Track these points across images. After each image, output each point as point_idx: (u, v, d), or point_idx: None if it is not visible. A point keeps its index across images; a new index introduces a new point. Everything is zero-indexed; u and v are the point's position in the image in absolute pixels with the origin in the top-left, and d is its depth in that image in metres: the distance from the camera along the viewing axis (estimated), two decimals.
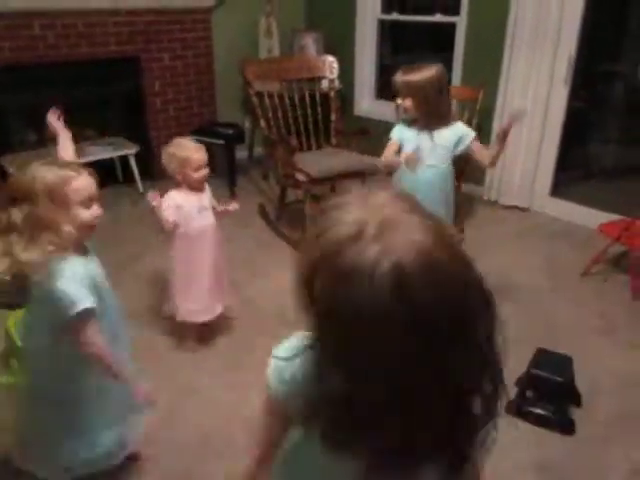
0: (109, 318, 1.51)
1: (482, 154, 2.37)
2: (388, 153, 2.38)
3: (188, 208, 2.27)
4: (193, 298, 2.35)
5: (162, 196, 2.25)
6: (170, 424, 2.05)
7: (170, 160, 2.25)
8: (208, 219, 2.32)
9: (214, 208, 2.37)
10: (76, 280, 1.36)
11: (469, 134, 2.35)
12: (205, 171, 2.27)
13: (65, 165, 1.45)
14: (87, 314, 1.36)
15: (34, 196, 1.29)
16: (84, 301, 1.35)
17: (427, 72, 2.21)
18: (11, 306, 2.53)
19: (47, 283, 1.34)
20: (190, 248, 2.30)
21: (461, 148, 2.35)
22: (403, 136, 2.37)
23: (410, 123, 2.36)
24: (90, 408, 1.55)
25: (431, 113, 2.27)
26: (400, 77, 2.24)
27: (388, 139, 2.42)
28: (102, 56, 3.94)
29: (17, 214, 1.27)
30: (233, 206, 2.41)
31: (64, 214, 1.35)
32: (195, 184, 2.27)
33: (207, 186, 2.36)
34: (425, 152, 2.31)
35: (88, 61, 3.90)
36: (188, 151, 2.23)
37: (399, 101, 2.30)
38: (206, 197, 2.34)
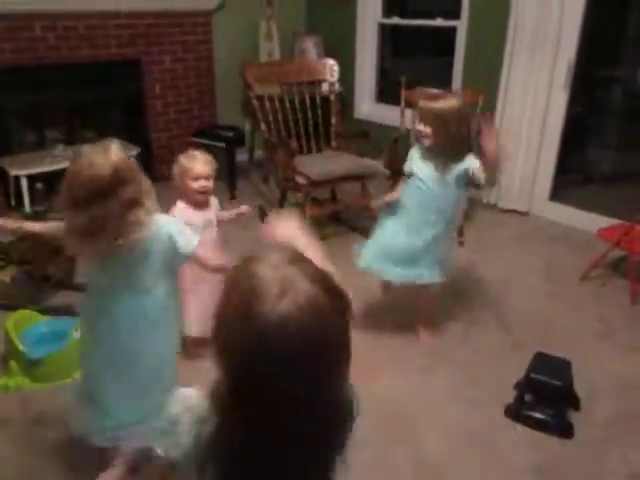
0: None
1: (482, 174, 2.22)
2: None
3: (194, 224, 2.16)
4: (192, 311, 2.27)
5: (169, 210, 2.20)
6: None
7: (176, 169, 2.24)
8: (211, 235, 2.28)
9: (221, 219, 2.35)
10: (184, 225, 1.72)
11: (473, 164, 2.21)
12: (205, 183, 2.22)
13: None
14: (199, 244, 1.65)
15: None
16: (195, 236, 1.66)
17: (450, 102, 2.19)
18: (11, 308, 2.54)
19: (164, 235, 1.59)
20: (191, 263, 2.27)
21: (464, 180, 2.26)
22: (413, 166, 2.33)
23: (425, 150, 2.29)
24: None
25: (447, 144, 2.19)
26: (423, 103, 2.23)
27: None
28: (103, 58, 3.95)
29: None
30: (245, 208, 2.40)
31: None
32: (195, 196, 2.23)
33: (214, 201, 2.34)
34: (431, 181, 2.27)
35: (89, 63, 3.91)
36: (193, 162, 2.21)
37: (420, 127, 2.21)
38: (211, 212, 2.31)
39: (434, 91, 3.70)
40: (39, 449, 1.94)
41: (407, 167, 2.37)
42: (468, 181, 2.26)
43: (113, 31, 3.95)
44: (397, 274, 2.37)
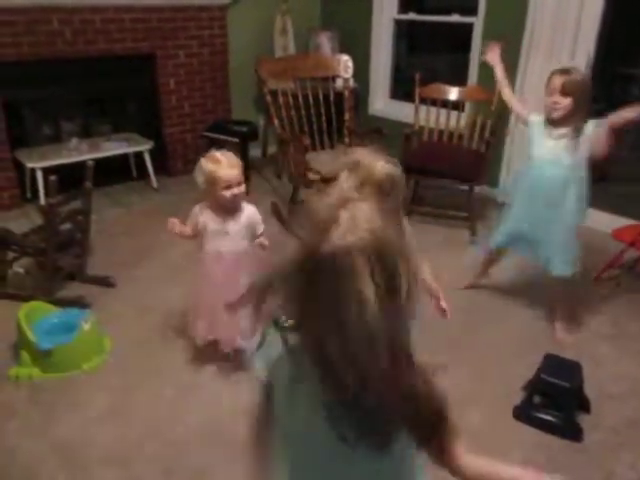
0: None
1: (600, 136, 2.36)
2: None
3: (209, 228, 2.14)
4: (201, 316, 2.25)
5: (183, 221, 2.18)
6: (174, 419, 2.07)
7: (198, 173, 2.10)
8: (228, 245, 2.14)
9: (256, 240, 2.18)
10: None
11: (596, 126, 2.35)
12: (236, 190, 2.07)
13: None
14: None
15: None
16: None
17: (586, 76, 2.41)
18: (24, 299, 2.57)
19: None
20: (203, 269, 2.20)
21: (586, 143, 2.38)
22: (535, 129, 2.46)
23: (557, 121, 2.37)
24: None
25: (583, 112, 2.33)
26: (561, 76, 2.31)
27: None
28: (118, 52, 3.97)
29: None
30: (261, 241, 2.17)
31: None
32: (226, 204, 2.10)
33: (247, 210, 2.17)
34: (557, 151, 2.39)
35: (104, 57, 3.93)
36: (220, 168, 2.04)
37: (556, 98, 2.30)
38: (235, 222, 2.14)
39: (448, 87, 3.67)
40: (49, 440, 1.97)
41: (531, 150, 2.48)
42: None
43: (129, 25, 3.96)
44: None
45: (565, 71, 2.35)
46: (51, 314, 2.45)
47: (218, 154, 2.10)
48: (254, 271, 2.12)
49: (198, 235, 2.17)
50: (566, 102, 2.30)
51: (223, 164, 2.05)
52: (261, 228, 2.21)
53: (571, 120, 2.33)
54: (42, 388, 2.21)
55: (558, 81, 2.30)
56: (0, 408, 2.11)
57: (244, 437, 1.96)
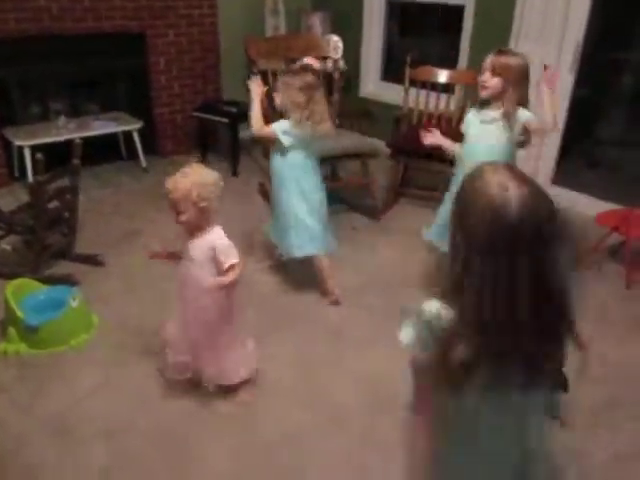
0: None
1: (536, 122, 2.34)
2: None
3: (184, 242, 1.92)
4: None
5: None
6: None
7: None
8: (192, 274, 1.88)
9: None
10: None
11: (529, 115, 2.34)
12: (182, 217, 1.80)
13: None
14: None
15: None
16: None
17: (523, 61, 2.32)
18: (11, 276, 2.58)
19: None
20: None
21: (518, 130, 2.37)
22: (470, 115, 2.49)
23: (483, 104, 2.40)
24: None
25: (511, 98, 2.30)
26: (498, 55, 2.31)
27: None
28: (107, 30, 3.93)
29: None
30: (217, 281, 1.83)
31: None
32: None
33: (211, 234, 1.86)
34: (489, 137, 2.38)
35: (94, 35, 3.89)
36: (171, 184, 1.79)
37: (486, 77, 2.30)
38: (195, 248, 1.86)
39: (439, 70, 3.68)
40: (38, 415, 2.00)
41: (464, 129, 2.49)
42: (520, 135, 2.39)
43: (118, 3, 3.92)
44: None
45: (502, 52, 2.34)
46: (38, 291, 2.46)
47: (186, 169, 1.82)
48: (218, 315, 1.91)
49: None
50: (493, 82, 2.28)
51: (171, 184, 1.78)
52: (229, 259, 1.82)
53: (500, 103, 2.32)
54: (30, 364, 2.24)
55: (490, 60, 2.31)
56: None
57: (230, 410, 2.00)
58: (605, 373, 2.28)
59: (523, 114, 2.33)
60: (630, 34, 4.05)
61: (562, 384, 2.11)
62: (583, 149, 4.32)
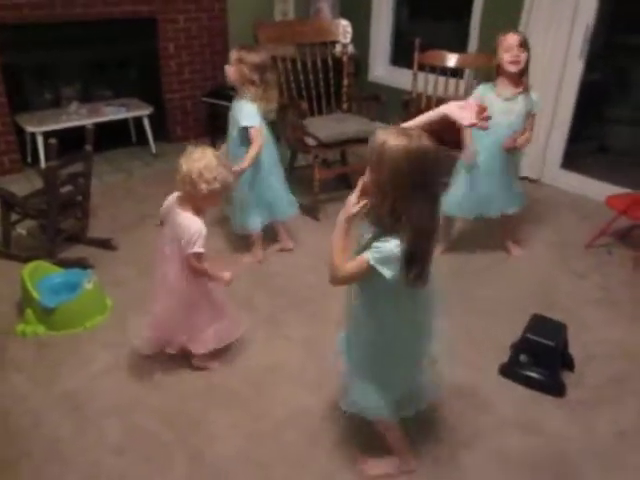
0: None
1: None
2: None
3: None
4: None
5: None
6: None
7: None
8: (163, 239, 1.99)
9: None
10: None
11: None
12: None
13: None
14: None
15: None
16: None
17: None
18: (27, 260, 2.64)
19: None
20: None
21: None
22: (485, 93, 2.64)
23: (512, 75, 2.57)
24: None
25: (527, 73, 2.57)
26: (516, 33, 2.55)
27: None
28: (118, 16, 3.94)
29: None
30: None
31: None
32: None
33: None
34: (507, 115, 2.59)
35: (104, 21, 3.91)
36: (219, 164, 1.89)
37: (515, 52, 2.50)
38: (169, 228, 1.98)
39: (448, 54, 3.68)
40: (54, 392, 2.06)
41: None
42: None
43: None
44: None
45: (515, 31, 2.60)
46: (53, 274, 2.52)
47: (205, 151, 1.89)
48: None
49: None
50: (524, 56, 2.51)
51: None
52: (190, 245, 1.86)
53: (523, 79, 2.56)
54: (47, 344, 2.30)
55: (514, 37, 2.51)
56: (8, 362, 2.19)
57: (242, 392, 2.05)
58: (611, 352, 2.31)
59: (533, 93, 2.62)
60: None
61: (568, 364, 2.16)
62: (592, 133, 4.29)
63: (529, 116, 2.64)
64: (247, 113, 2.58)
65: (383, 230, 1.36)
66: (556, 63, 3.56)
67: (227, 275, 2.00)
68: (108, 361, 2.21)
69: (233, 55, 2.58)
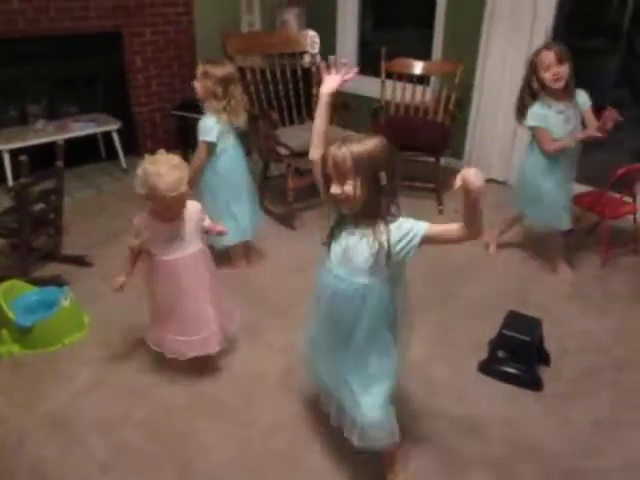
0: None
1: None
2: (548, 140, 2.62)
3: (161, 238, 1.99)
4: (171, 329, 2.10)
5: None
6: None
7: (138, 180, 1.98)
8: (187, 249, 2.01)
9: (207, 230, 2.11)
10: None
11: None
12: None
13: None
14: None
15: None
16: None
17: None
18: (1, 279, 2.59)
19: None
20: (163, 281, 2.07)
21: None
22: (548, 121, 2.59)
23: (559, 90, 2.54)
24: None
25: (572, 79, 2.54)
26: (550, 48, 2.51)
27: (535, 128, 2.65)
28: (83, 31, 3.92)
29: None
30: (208, 227, 2.12)
31: None
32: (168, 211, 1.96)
33: (190, 206, 2.01)
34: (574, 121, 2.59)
35: (70, 36, 3.87)
36: (160, 169, 1.89)
37: (556, 69, 2.47)
38: (184, 223, 2.00)
39: (414, 62, 3.76)
40: (35, 412, 2.02)
41: (540, 122, 2.59)
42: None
43: (93, 2, 3.91)
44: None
45: (547, 46, 2.54)
46: (28, 292, 2.48)
47: (161, 157, 1.94)
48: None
49: (144, 251, 2.04)
50: (564, 69, 2.48)
51: (163, 168, 1.89)
52: (206, 218, 2.10)
53: (568, 89, 2.53)
54: (25, 363, 2.26)
55: (549, 54, 2.47)
56: None
57: (228, 401, 2.06)
58: (584, 345, 2.38)
59: (580, 97, 2.61)
60: (601, 22, 4.15)
61: (544, 358, 2.23)
62: None
63: (584, 115, 2.62)
64: (203, 127, 2.62)
65: (374, 216, 1.51)
66: (519, 65, 3.66)
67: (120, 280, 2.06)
68: (89, 378, 2.19)
69: (199, 69, 2.61)
